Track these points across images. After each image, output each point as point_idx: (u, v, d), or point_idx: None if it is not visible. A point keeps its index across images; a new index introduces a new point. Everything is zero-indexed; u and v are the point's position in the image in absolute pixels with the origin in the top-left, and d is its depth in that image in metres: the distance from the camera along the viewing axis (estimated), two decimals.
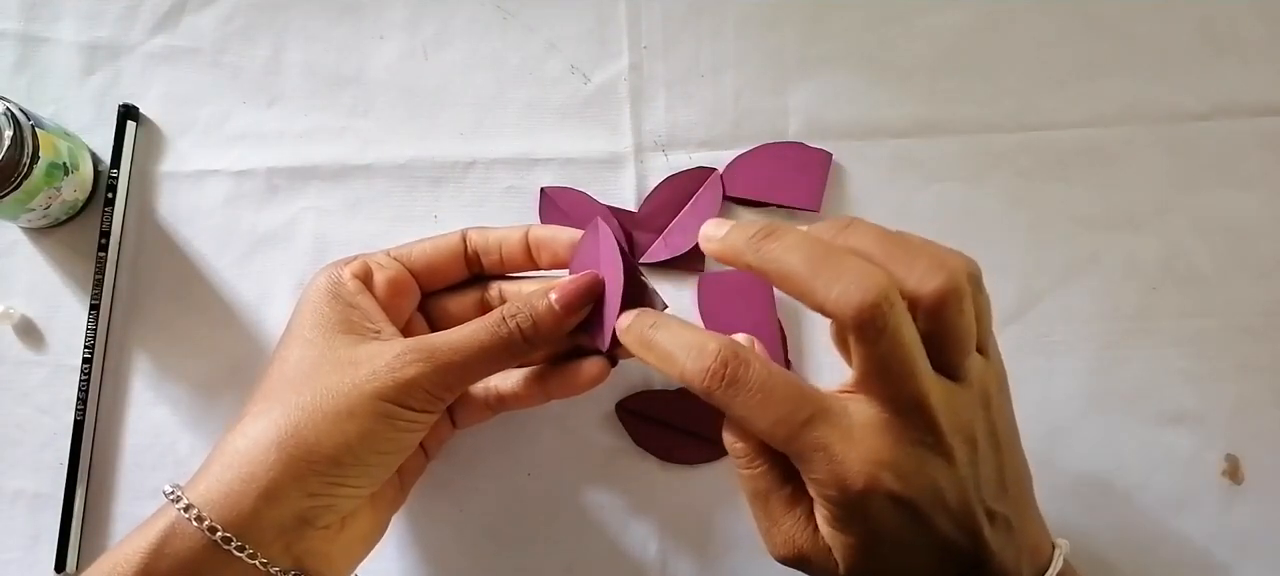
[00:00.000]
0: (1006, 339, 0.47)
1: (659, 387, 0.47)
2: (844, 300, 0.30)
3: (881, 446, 0.31)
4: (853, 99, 0.49)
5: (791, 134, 0.49)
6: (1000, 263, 0.48)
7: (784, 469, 0.35)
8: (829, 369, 0.47)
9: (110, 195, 0.48)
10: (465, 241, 0.43)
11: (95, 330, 0.47)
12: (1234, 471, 0.47)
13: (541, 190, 0.41)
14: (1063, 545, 0.36)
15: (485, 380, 0.43)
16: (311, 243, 0.49)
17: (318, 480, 0.35)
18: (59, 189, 0.46)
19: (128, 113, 0.49)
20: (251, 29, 0.50)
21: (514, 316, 0.38)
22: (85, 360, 0.47)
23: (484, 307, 0.43)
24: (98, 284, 0.48)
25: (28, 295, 0.49)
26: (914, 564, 0.33)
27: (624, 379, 0.47)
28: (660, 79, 0.50)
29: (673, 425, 0.47)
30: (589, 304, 0.39)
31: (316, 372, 0.37)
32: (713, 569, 0.46)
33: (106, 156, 0.49)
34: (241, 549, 0.35)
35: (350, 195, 0.49)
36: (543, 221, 0.41)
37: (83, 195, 0.48)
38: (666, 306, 0.39)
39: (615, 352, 0.41)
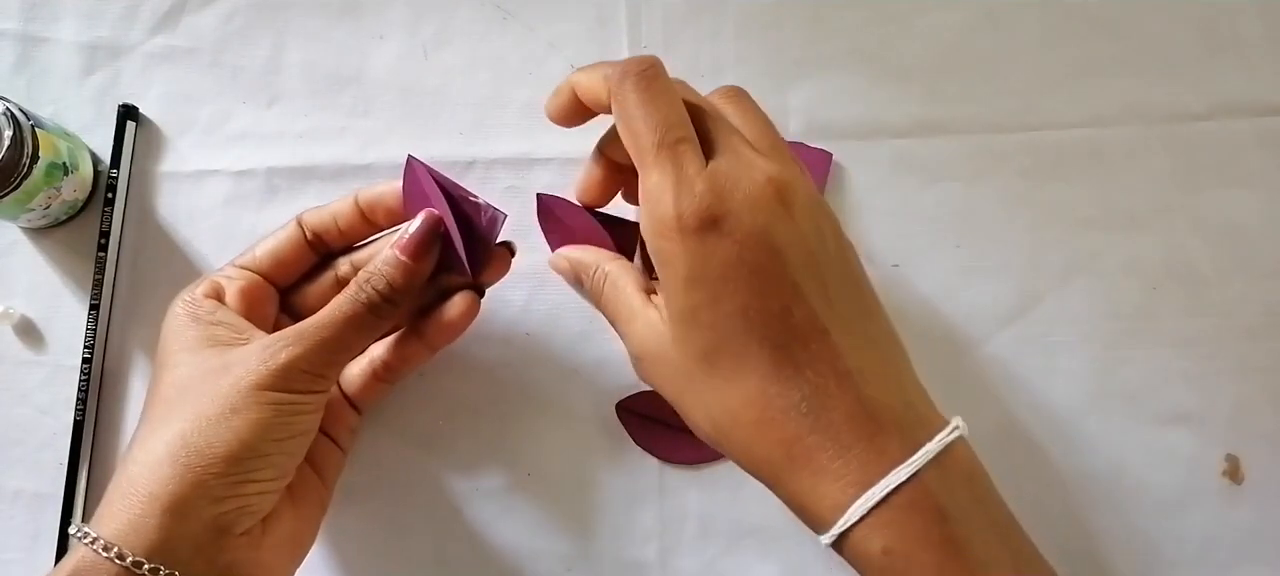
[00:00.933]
0: (1006, 339, 0.48)
1: None
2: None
3: (744, 175, 0.33)
4: (853, 99, 0.49)
5: (792, 134, 0.49)
6: (1000, 263, 0.48)
7: (628, 277, 0.38)
8: None
9: (110, 195, 0.48)
10: (302, 226, 0.43)
11: (95, 330, 0.47)
12: (1234, 471, 0.47)
13: (537, 196, 0.41)
14: (958, 423, 0.34)
15: (367, 353, 0.44)
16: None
17: (220, 483, 0.35)
18: (59, 189, 0.46)
19: (127, 113, 0.49)
20: (251, 29, 0.50)
21: (368, 281, 0.38)
22: (85, 360, 0.47)
23: (341, 285, 0.43)
24: (97, 284, 0.48)
25: (28, 295, 0.49)
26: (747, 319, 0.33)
27: (624, 379, 0.47)
28: None
29: (673, 425, 0.47)
30: (435, 243, 0.40)
31: (193, 387, 0.37)
32: (713, 569, 0.46)
33: (106, 156, 0.49)
34: (157, 571, 0.34)
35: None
36: (544, 229, 0.42)
37: (82, 195, 0.48)
38: (506, 216, 0.40)
39: (480, 281, 0.42)
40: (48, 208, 0.46)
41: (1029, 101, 0.49)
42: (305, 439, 0.38)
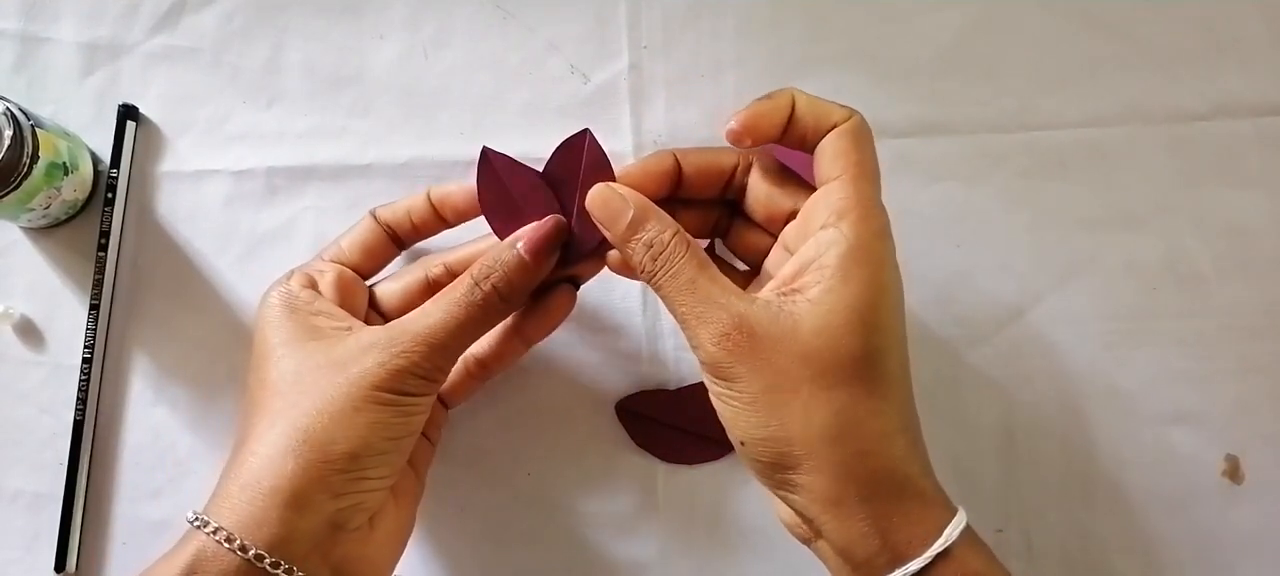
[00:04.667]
0: (1007, 339, 0.48)
1: (659, 388, 0.47)
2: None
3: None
4: (853, 99, 0.49)
5: None
6: (1000, 263, 0.48)
7: (704, 256, 0.37)
8: None
9: (110, 195, 0.48)
10: (383, 224, 0.43)
11: (95, 330, 0.47)
12: (1234, 471, 0.47)
13: (484, 149, 0.40)
14: (959, 514, 0.35)
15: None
16: (311, 243, 0.49)
17: (340, 478, 0.35)
18: (59, 189, 0.46)
19: (127, 113, 0.49)
20: (251, 29, 0.50)
21: (486, 278, 0.38)
22: (85, 360, 0.47)
23: (432, 285, 0.43)
24: (97, 284, 0.48)
25: (28, 295, 0.49)
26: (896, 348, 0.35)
27: (624, 378, 0.47)
28: (660, 79, 0.50)
29: (673, 425, 0.47)
30: (558, 246, 0.39)
31: (307, 380, 0.37)
32: (713, 569, 0.46)
33: (106, 156, 0.49)
34: (277, 565, 0.34)
35: (350, 195, 0.49)
36: (480, 184, 0.41)
37: (82, 195, 0.48)
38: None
39: (577, 275, 0.42)
40: (48, 208, 0.46)
41: (1029, 101, 0.49)
42: (414, 437, 0.39)
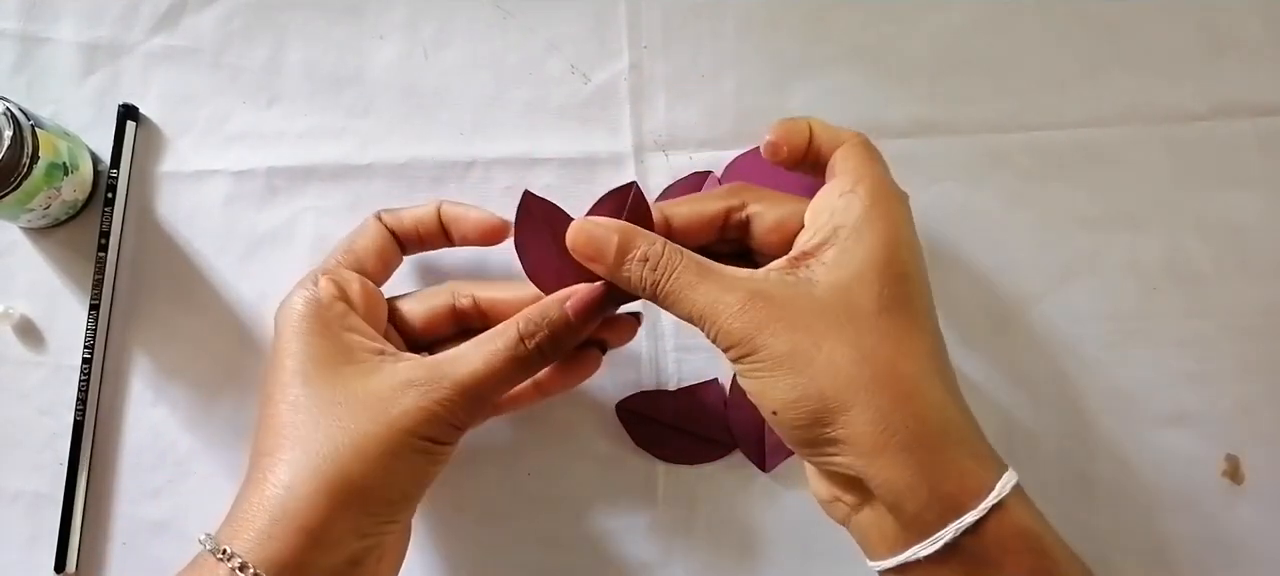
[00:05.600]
0: (1007, 339, 0.48)
1: (659, 388, 0.47)
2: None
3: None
4: (853, 99, 0.49)
5: None
6: (1000, 262, 0.48)
7: (703, 258, 0.37)
8: None
9: (110, 195, 0.48)
10: (383, 224, 0.43)
11: (95, 330, 0.47)
12: (1234, 471, 0.47)
13: (525, 193, 0.40)
14: (1009, 469, 0.34)
15: None
16: (311, 243, 0.49)
17: (371, 520, 0.35)
18: (59, 189, 0.46)
19: (127, 113, 0.49)
20: (251, 29, 0.50)
21: (533, 335, 0.37)
22: (85, 360, 0.47)
23: (458, 314, 0.43)
24: (97, 284, 0.48)
25: (28, 295, 0.49)
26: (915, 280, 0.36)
27: (624, 378, 0.47)
28: (660, 79, 0.50)
29: (673, 425, 0.47)
30: (604, 311, 0.39)
31: (342, 412, 0.36)
32: (713, 569, 0.46)
33: (106, 156, 0.49)
34: None
35: (350, 195, 0.49)
36: (517, 230, 0.40)
37: (82, 195, 0.48)
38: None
39: (606, 342, 0.42)
40: (48, 208, 0.46)
41: (1029, 101, 0.49)
42: (439, 476, 0.38)
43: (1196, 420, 0.47)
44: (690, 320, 0.36)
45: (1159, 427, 0.47)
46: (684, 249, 0.37)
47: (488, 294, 0.42)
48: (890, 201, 0.36)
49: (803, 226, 0.38)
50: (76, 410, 0.47)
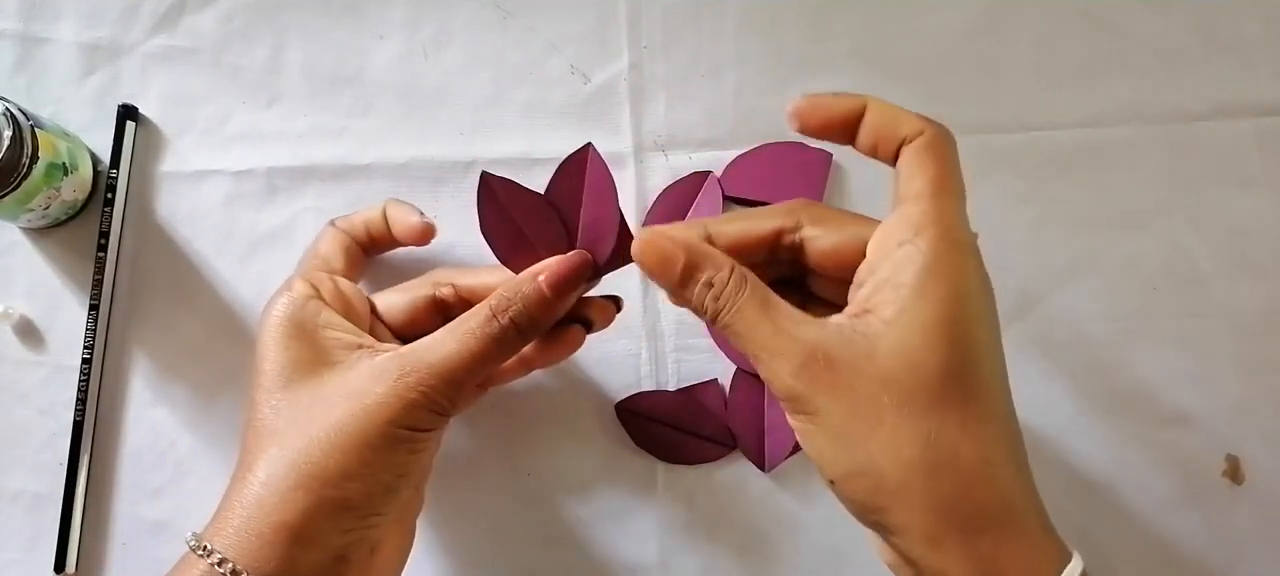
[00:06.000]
0: (1007, 339, 0.47)
1: (659, 388, 0.47)
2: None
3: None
4: None
5: (792, 134, 0.49)
6: (1000, 263, 0.48)
7: (767, 288, 0.34)
8: None
9: (110, 195, 0.48)
10: (338, 230, 0.43)
11: (95, 330, 0.47)
12: (1234, 471, 0.47)
13: (482, 174, 0.39)
14: (1075, 557, 0.33)
15: None
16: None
17: (350, 516, 0.35)
18: (58, 189, 0.46)
19: (127, 113, 0.49)
20: (251, 29, 0.50)
21: (505, 311, 0.37)
22: (85, 360, 0.47)
23: (439, 306, 0.42)
24: (97, 284, 0.48)
25: (27, 295, 0.49)
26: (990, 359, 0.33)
27: (624, 379, 0.47)
28: (660, 79, 0.50)
29: (673, 425, 0.47)
30: (582, 283, 0.38)
31: (318, 408, 0.36)
32: (713, 569, 0.46)
33: (106, 156, 0.49)
34: None
35: (350, 195, 0.49)
36: (481, 211, 0.39)
37: (82, 195, 0.48)
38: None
39: (591, 321, 0.41)
40: (47, 208, 0.46)
41: (1029, 101, 0.49)
42: (425, 471, 0.38)
43: (1196, 420, 0.47)
44: (747, 355, 0.34)
45: (1159, 427, 0.47)
46: (749, 275, 0.34)
47: (467, 281, 0.42)
48: (955, 255, 0.32)
49: (863, 255, 0.35)
50: (76, 410, 0.47)
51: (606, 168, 0.38)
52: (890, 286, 0.32)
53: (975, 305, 0.32)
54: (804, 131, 0.37)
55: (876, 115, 0.35)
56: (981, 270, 0.33)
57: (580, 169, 0.38)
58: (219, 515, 0.35)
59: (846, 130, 0.36)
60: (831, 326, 0.33)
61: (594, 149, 0.38)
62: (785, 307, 0.34)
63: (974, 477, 0.31)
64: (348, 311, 0.40)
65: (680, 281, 0.35)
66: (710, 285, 0.34)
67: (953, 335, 0.31)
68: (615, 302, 0.42)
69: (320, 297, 0.40)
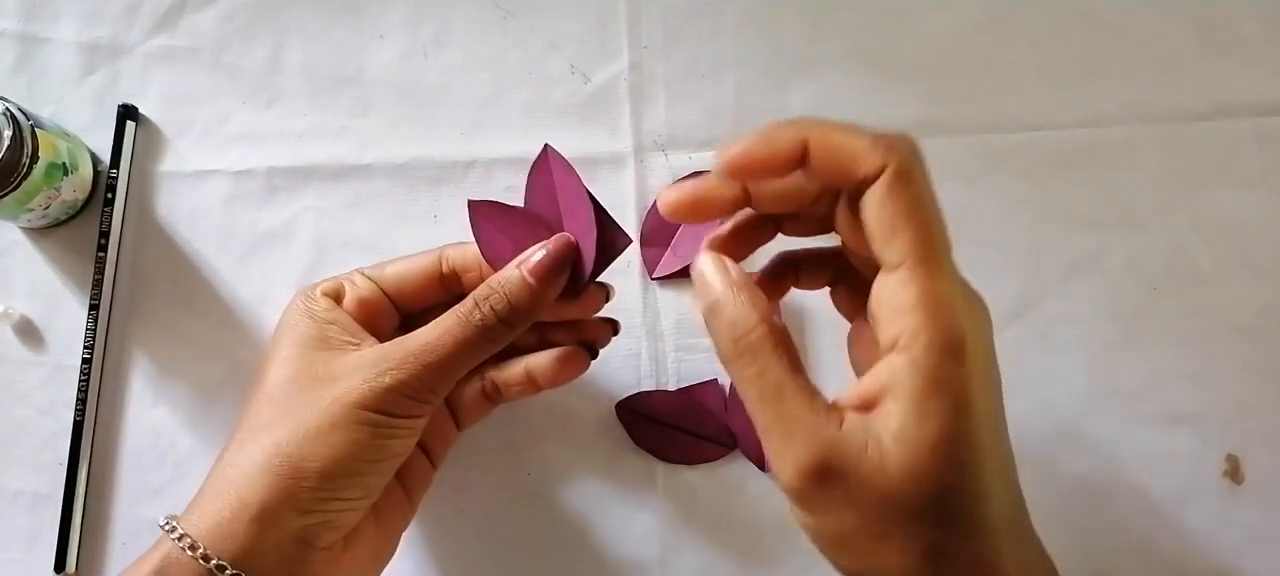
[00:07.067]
0: (1006, 339, 0.47)
1: (659, 388, 0.47)
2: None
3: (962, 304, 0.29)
4: (853, 99, 0.49)
5: None
6: (1000, 262, 0.48)
7: (794, 355, 0.31)
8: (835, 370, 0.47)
9: (110, 195, 0.48)
10: (443, 261, 0.41)
11: (95, 330, 0.47)
12: (1234, 471, 0.47)
13: (469, 203, 0.39)
14: None
15: (479, 373, 0.41)
16: (311, 243, 0.49)
17: (309, 496, 0.35)
18: (58, 189, 0.46)
19: (127, 113, 0.49)
20: (251, 29, 0.50)
21: (486, 300, 0.36)
22: (85, 360, 0.47)
23: (441, 278, 0.42)
24: (97, 284, 0.48)
25: (27, 295, 0.49)
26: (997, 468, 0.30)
27: (624, 379, 0.47)
28: (660, 79, 0.50)
29: (673, 425, 0.47)
30: (567, 270, 0.37)
31: (296, 390, 0.37)
32: (713, 569, 0.46)
33: (106, 156, 0.49)
34: None
35: (350, 195, 0.49)
36: (478, 237, 0.39)
37: (82, 195, 0.48)
38: (630, 242, 0.38)
39: (594, 341, 0.41)
40: (47, 208, 0.46)
41: (1029, 101, 0.49)
42: (398, 460, 0.38)
43: (1196, 420, 0.47)
44: (752, 421, 0.32)
45: (1159, 427, 0.47)
46: (784, 338, 0.31)
47: (462, 255, 0.42)
48: (950, 365, 0.29)
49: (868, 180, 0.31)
50: (76, 410, 0.47)
51: (568, 164, 0.39)
52: (891, 396, 0.30)
53: (976, 416, 0.30)
54: (734, 178, 0.32)
55: (823, 150, 0.30)
56: (979, 366, 0.30)
57: (546, 172, 0.39)
58: (196, 496, 0.36)
59: (785, 169, 0.31)
60: (845, 426, 0.30)
61: (552, 150, 0.39)
62: (804, 387, 0.31)
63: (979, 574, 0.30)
64: (366, 320, 0.40)
65: (706, 312, 0.32)
66: (733, 325, 0.31)
67: (954, 456, 0.29)
68: (613, 326, 0.43)
69: (337, 300, 0.40)
